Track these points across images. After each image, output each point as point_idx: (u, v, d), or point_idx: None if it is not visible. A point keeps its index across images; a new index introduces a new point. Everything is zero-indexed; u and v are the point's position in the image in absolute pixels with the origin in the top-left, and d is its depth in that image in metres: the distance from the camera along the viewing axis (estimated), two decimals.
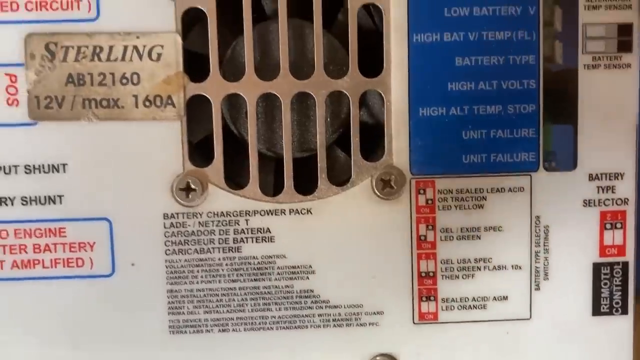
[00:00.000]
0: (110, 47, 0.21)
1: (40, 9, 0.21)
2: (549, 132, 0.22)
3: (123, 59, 0.22)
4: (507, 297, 0.23)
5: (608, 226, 0.23)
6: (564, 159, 0.23)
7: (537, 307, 0.23)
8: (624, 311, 0.23)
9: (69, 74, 0.22)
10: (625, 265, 0.23)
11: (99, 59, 0.22)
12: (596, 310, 0.23)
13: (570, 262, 0.23)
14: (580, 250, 0.23)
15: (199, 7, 0.22)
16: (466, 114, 0.22)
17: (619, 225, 0.23)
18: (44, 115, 0.22)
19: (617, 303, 0.23)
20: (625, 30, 0.22)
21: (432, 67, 0.22)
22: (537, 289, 0.23)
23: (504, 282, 0.23)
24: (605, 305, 0.23)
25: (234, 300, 0.23)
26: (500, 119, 0.22)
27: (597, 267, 0.23)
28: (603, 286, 0.23)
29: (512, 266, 0.23)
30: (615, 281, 0.23)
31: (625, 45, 0.22)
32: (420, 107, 0.22)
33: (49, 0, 0.21)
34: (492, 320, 0.23)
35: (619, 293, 0.23)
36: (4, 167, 0.22)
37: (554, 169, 0.23)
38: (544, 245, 0.23)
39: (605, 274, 0.23)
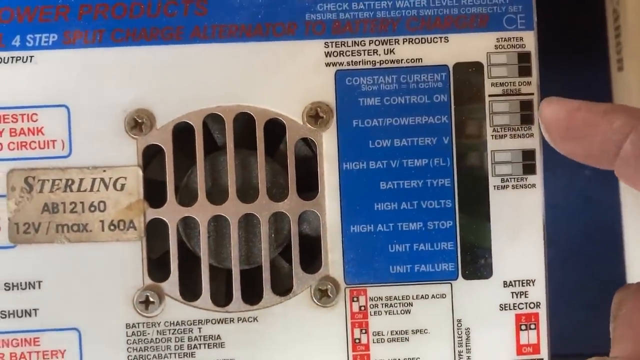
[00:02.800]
0: (81, 180, 0.25)
1: (21, 148, 0.25)
2: (466, 245, 0.26)
3: (92, 189, 0.25)
4: None
5: (523, 327, 0.26)
6: (481, 268, 0.26)
7: None
8: None
9: (45, 203, 0.25)
10: None
11: (71, 190, 0.25)
12: None
13: None
14: (499, 349, 0.26)
15: (158, 143, 0.25)
16: (392, 230, 0.25)
17: (532, 326, 0.26)
18: (22, 239, 0.25)
19: None
20: (529, 155, 0.26)
21: (360, 191, 0.25)
22: None
23: None
24: None
25: None
26: (421, 234, 0.25)
27: None
28: None
29: None
30: None
31: (529, 169, 0.26)
32: (352, 225, 0.25)
33: (28, 141, 0.25)
34: None
35: None
36: None
37: (471, 278, 0.26)
38: (466, 345, 0.26)
39: None
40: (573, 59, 0.38)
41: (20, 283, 0.25)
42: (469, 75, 0.25)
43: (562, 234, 0.38)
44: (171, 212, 0.25)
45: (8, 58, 0.25)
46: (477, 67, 0.25)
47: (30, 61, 0.25)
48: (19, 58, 0.25)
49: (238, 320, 0.25)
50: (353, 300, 0.25)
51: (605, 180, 0.37)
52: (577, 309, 0.37)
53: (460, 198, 0.26)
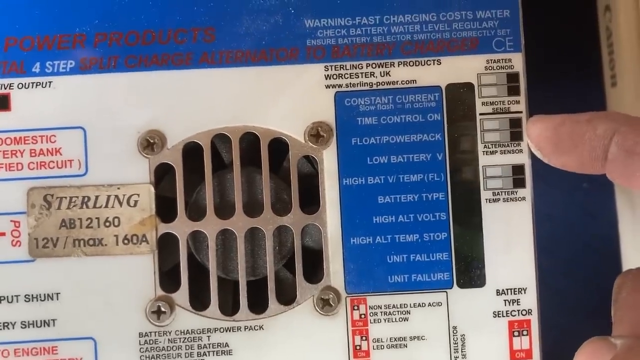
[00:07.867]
0: (96, 197, 0.27)
1: (40, 168, 0.27)
2: (460, 255, 0.27)
3: (106, 206, 0.26)
4: None
5: (516, 333, 0.27)
6: (475, 277, 0.27)
7: None
8: None
9: (63, 219, 0.26)
10: None
11: (87, 207, 0.26)
12: None
13: None
14: (493, 354, 0.27)
15: (169, 162, 0.27)
16: (389, 241, 0.27)
17: (525, 333, 0.27)
18: (41, 254, 0.26)
19: None
20: (518, 170, 0.27)
21: (360, 205, 0.27)
22: None
23: None
24: None
25: None
26: (418, 245, 0.27)
27: None
28: None
29: None
30: None
31: (519, 182, 0.27)
32: (352, 237, 0.27)
33: (47, 161, 0.27)
34: None
35: None
36: (8, 297, 0.26)
37: (466, 287, 0.27)
38: (462, 351, 0.27)
39: None
40: (567, 75, 0.39)
41: (40, 295, 0.26)
42: (460, 95, 0.27)
43: (562, 245, 0.39)
44: (181, 227, 0.27)
45: (29, 84, 0.27)
46: (468, 87, 0.27)
47: (49, 86, 0.27)
48: (38, 83, 0.27)
49: (245, 329, 0.27)
50: (354, 309, 0.27)
51: (603, 193, 0.38)
52: (576, 317, 0.38)
53: (454, 211, 0.27)
